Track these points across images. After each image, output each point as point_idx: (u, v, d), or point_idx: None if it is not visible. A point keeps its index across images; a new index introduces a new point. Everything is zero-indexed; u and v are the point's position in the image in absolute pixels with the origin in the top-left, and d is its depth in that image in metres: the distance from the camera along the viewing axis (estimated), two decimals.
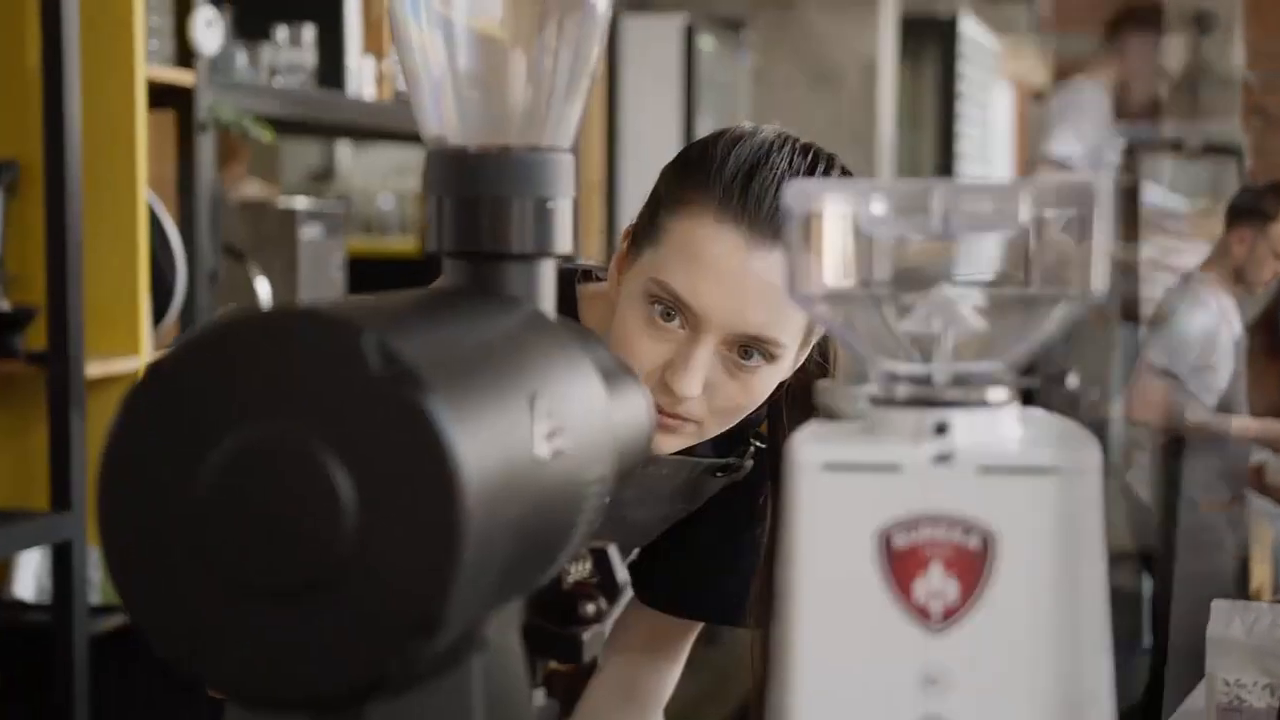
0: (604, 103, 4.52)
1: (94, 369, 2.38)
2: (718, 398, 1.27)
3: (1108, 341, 4.76)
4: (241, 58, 2.93)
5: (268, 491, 0.60)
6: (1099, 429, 4.62)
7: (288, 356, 0.61)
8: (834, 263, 0.71)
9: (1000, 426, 0.69)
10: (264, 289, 2.90)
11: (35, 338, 2.36)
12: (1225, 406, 4.38)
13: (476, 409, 0.62)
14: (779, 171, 1.24)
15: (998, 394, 0.70)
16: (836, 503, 0.68)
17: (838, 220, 0.70)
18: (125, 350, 2.47)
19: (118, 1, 2.44)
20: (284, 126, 3.13)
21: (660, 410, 1.26)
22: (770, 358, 1.26)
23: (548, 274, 0.81)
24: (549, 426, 0.69)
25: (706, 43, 4.85)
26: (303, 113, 3.04)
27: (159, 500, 0.62)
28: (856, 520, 0.67)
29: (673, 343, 1.25)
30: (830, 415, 0.77)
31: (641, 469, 1.39)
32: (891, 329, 0.71)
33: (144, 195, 2.46)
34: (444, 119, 0.81)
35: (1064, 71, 9.94)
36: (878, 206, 0.70)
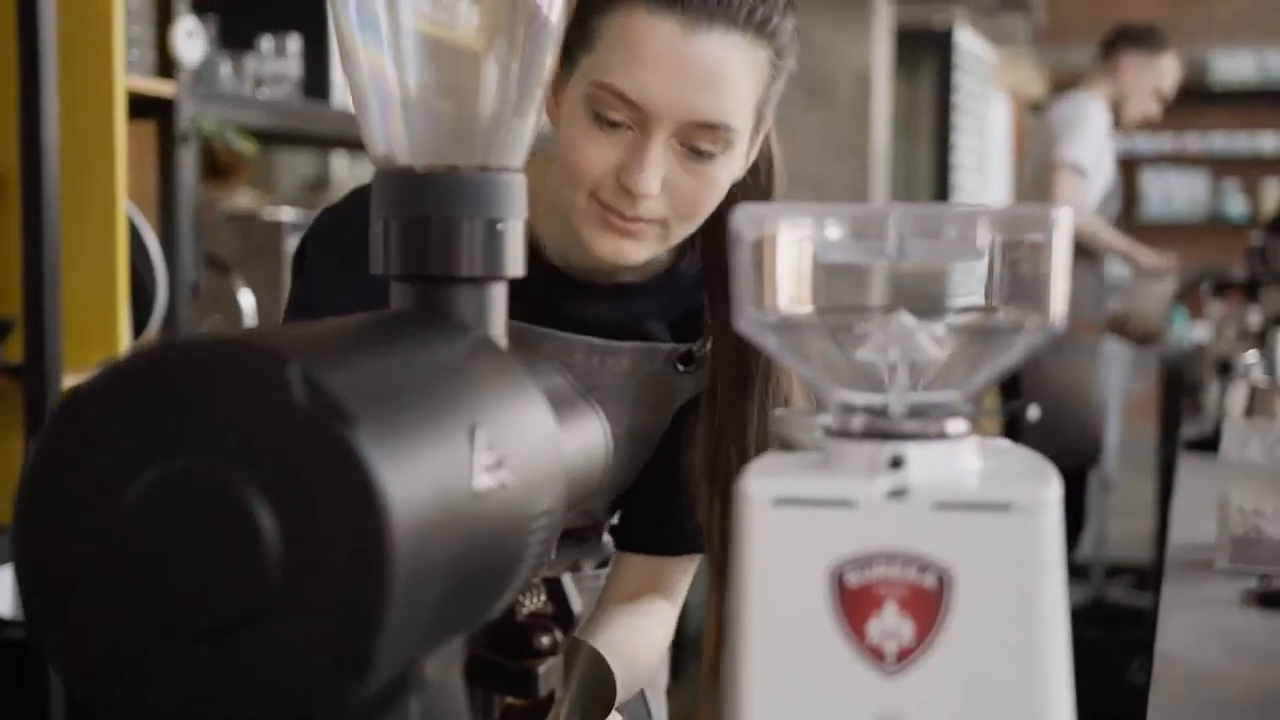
0: None
1: (71, 382, 2.36)
2: (677, 195, 1.25)
3: (1095, 354, 4.75)
4: (226, 68, 2.91)
5: (189, 526, 0.58)
6: (1091, 451, 4.62)
7: (212, 387, 0.58)
8: (787, 288, 0.69)
9: (958, 460, 0.67)
10: (248, 301, 2.88)
11: (12, 350, 2.33)
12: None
13: (408, 441, 0.60)
14: None
15: (956, 426, 0.67)
16: (788, 539, 0.65)
17: (791, 245, 0.68)
18: (104, 363, 2.44)
19: (97, 11, 2.42)
20: (269, 137, 3.10)
21: (621, 216, 1.25)
22: (724, 144, 1.24)
23: (499, 297, 0.78)
24: (490, 458, 0.66)
25: None
26: (287, 124, 3.01)
27: (77, 532, 0.59)
28: (808, 557, 0.65)
29: (622, 145, 1.24)
30: (786, 445, 0.74)
31: (600, 363, 1.37)
32: (847, 357, 0.69)
33: (124, 206, 2.44)
34: (391, 137, 0.78)
35: (1060, 83, 9.94)
36: (832, 231, 0.67)
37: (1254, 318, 4.12)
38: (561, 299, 1.37)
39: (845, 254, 0.68)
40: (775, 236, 0.67)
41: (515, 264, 0.78)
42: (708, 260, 1.37)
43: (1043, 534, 0.64)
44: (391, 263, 0.77)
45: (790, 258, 0.68)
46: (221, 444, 0.58)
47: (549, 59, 0.80)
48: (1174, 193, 10.11)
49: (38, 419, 2.26)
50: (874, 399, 0.68)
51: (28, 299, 2.27)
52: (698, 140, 1.23)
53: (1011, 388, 4.18)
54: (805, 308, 0.69)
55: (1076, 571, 5.49)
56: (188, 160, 2.61)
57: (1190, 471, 2.70)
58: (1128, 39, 4.64)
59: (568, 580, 0.83)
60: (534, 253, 1.36)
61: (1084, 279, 4.58)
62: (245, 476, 0.57)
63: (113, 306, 2.43)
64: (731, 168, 1.27)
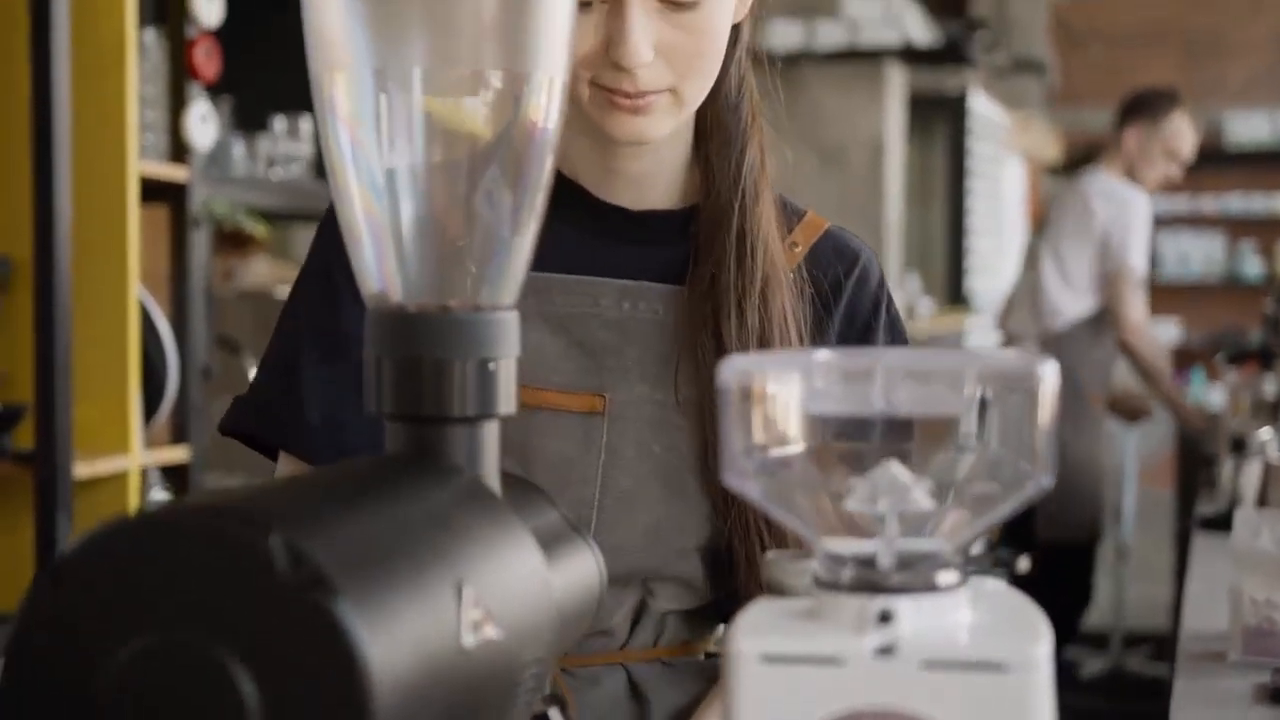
0: None
1: (82, 469, 2.36)
2: (674, 54, 1.18)
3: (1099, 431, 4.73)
4: (239, 148, 2.93)
5: (172, 698, 0.58)
6: (1100, 523, 4.59)
7: (193, 557, 0.58)
8: (773, 437, 0.68)
9: (948, 613, 0.66)
10: None
11: (23, 436, 2.34)
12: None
13: (393, 607, 0.60)
14: None
15: (946, 577, 0.67)
16: (777, 696, 0.65)
17: (777, 396, 0.68)
18: (115, 449, 2.44)
19: (111, 97, 2.44)
20: (282, 215, 3.12)
21: (626, 94, 1.18)
22: None
23: (491, 436, 0.78)
24: (478, 613, 0.66)
25: None
26: (299, 204, 3.03)
27: (61, 704, 0.59)
28: (796, 715, 0.64)
29: (600, 20, 1.17)
30: (777, 589, 0.74)
31: (632, 309, 1.25)
32: (835, 506, 0.68)
33: (135, 292, 2.45)
34: (384, 275, 0.78)
35: (1075, 145, 9.97)
36: (819, 382, 0.67)
37: (1269, 386, 4.10)
38: (595, 236, 1.28)
39: (833, 404, 0.68)
40: (763, 388, 0.67)
41: (508, 401, 0.78)
42: (698, 120, 1.28)
43: (1034, 693, 0.63)
44: (384, 402, 0.77)
45: (777, 409, 0.68)
46: (204, 615, 0.57)
47: (540, 197, 0.80)
48: (1190, 254, 10.11)
49: (49, 506, 2.26)
50: (862, 547, 0.68)
51: (39, 387, 2.28)
52: None
53: None
54: (792, 458, 0.69)
55: (1094, 641, 5.45)
56: (200, 244, 2.63)
57: (1204, 552, 2.68)
58: (1130, 110, 4.67)
59: (554, 714, 0.83)
60: (569, 186, 1.29)
61: (1097, 351, 4.56)
62: (228, 647, 0.57)
63: (124, 393, 2.44)
64: (723, 8, 1.20)
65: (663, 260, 1.28)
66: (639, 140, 1.21)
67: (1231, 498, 3.03)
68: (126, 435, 2.45)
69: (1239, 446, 3.25)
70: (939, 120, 7.22)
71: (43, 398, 2.28)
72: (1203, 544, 2.80)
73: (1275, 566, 1.87)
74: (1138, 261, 4.45)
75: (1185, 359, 10.09)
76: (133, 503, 2.47)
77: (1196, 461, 4.62)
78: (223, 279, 3.36)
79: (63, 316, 2.30)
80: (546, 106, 0.78)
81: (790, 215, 1.31)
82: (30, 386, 2.33)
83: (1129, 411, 5.08)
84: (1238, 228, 10.07)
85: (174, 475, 2.68)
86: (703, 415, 1.23)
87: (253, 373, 2.94)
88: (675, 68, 1.18)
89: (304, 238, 3.75)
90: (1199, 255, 10.11)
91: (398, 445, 0.78)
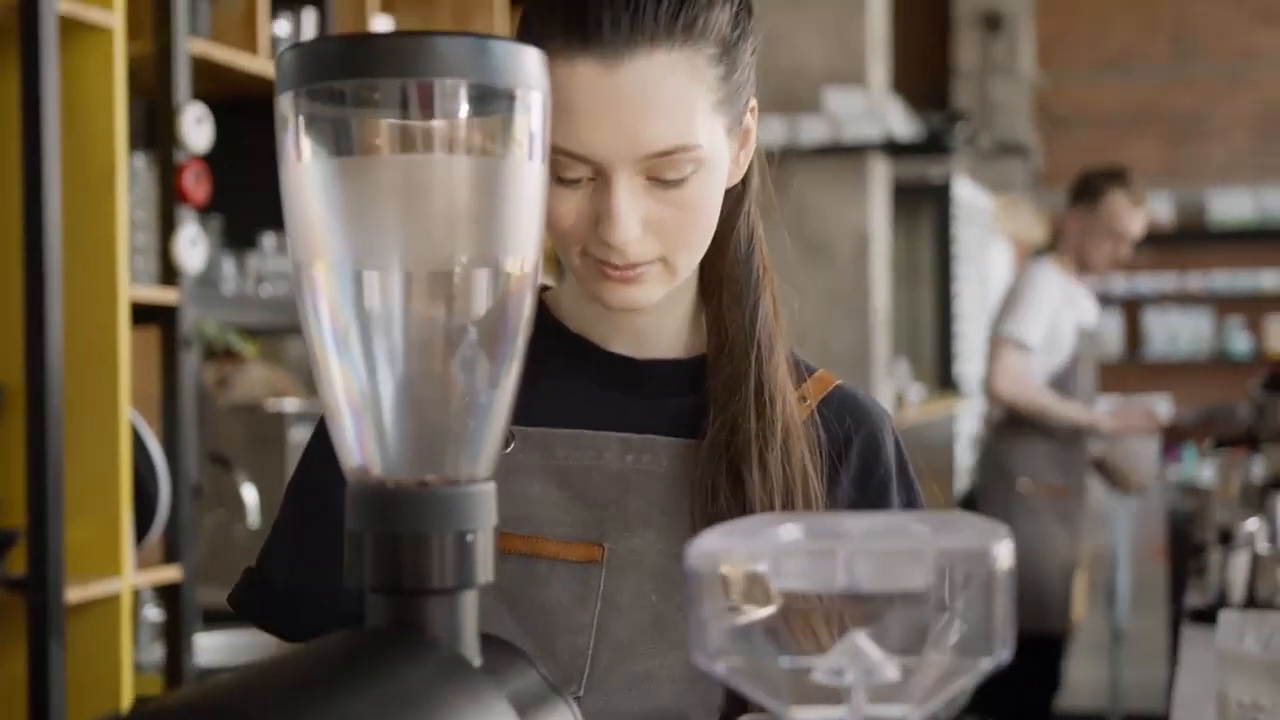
0: None
1: (74, 593, 2.37)
2: (663, 229, 1.17)
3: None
4: (229, 266, 2.97)
5: None
6: (1064, 612, 4.58)
7: None
8: (740, 614, 0.71)
9: None
10: (250, 496, 2.90)
11: (16, 562, 2.35)
12: (1058, 390, 4.52)
13: None
14: None
15: None
16: None
17: (744, 573, 0.70)
18: (107, 571, 2.46)
19: (101, 223, 2.48)
20: (273, 330, 3.15)
21: (614, 267, 1.17)
22: (692, 164, 1.15)
23: (470, 605, 0.80)
24: None
25: None
26: (288, 319, 3.07)
27: None
28: None
29: (590, 198, 1.16)
30: None
31: (635, 462, 1.23)
32: (801, 677, 0.71)
33: (126, 415, 2.47)
34: (364, 451, 0.81)
35: (1060, 226, 10.06)
36: (785, 560, 0.70)
37: (1258, 469, 4.12)
38: (600, 387, 1.28)
39: (798, 581, 0.70)
40: (730, 568, 0.70)
41: (486, 570, 0.80)
42: (703, 272, 1.28)
43: None
44: (365, 574, 0.80)
45: (743, 586, 0.70)
46: None
47: (515, 369, 0.83)
48: (1178, 332, 10.18)
49: (41, 633, 2.28)
50: (831, 716, 0.70)
51: (31, 512, 2.30)
52: (661, 170, 1.15)
53: None
54: (759, 633, 0.71)
55: None
56: (190, 365, 2.66)
57: (1193, 646, 2.69)
58: (1072, 195, 4.73)
59: None
60: (573, 340, 1.30)
61: (1036, 443, 4.58)
62: None
63: (116, 515, 2.46)
64: (714, 182, 1.19)
65: (669, 411, 1.27)
66: (632, 308, 1.21)
67: (1220, 589, 3.04)
68: (118, 557, 2.47)
69: (1226, 538, 3.27)
70: (924, 207, 7.29)
71: (35, 524, 2.30)
72: (1191, 637, 2.81)
73: (1260, 669, 1.88)
74: (1015, 328, 4.47)
75: (1175, 436, 10.15)
76: (125, 626, 2.49)
77: (1186, 546, 4.63)
78: (217, 386, 3.38)
79: (55, 441, 2.33)
80: (519, 289, 0.81)
81: (801, 369, 1.31)
82: (23, 511, 2.35)
83: (1117, 483, 5.08)
84: (1225, 305, 10.15)
85: (166, 594, 2.69)
86: None
87: (244, 489, 2.96)
88: (664, 241, 1.17)
89: (295, 348, 3.79)
90: (1187, 333, 10.18)
91: (378, 617, 0.80)
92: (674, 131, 1.13)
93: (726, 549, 0.71)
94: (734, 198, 1.26)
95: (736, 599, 0.71)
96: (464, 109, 0.78)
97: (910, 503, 1.30)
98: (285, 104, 0.78)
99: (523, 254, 0.81)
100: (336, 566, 0.99)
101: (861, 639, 0.70)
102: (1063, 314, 4.55)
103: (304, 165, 0.79)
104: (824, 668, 0.70)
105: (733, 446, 1.23)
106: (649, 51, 1.12)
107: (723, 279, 1.28)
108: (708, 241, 1.21)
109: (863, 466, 1.29)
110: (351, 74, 0.77)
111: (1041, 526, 4.51)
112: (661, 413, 1.27)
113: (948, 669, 0.70)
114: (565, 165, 1.14)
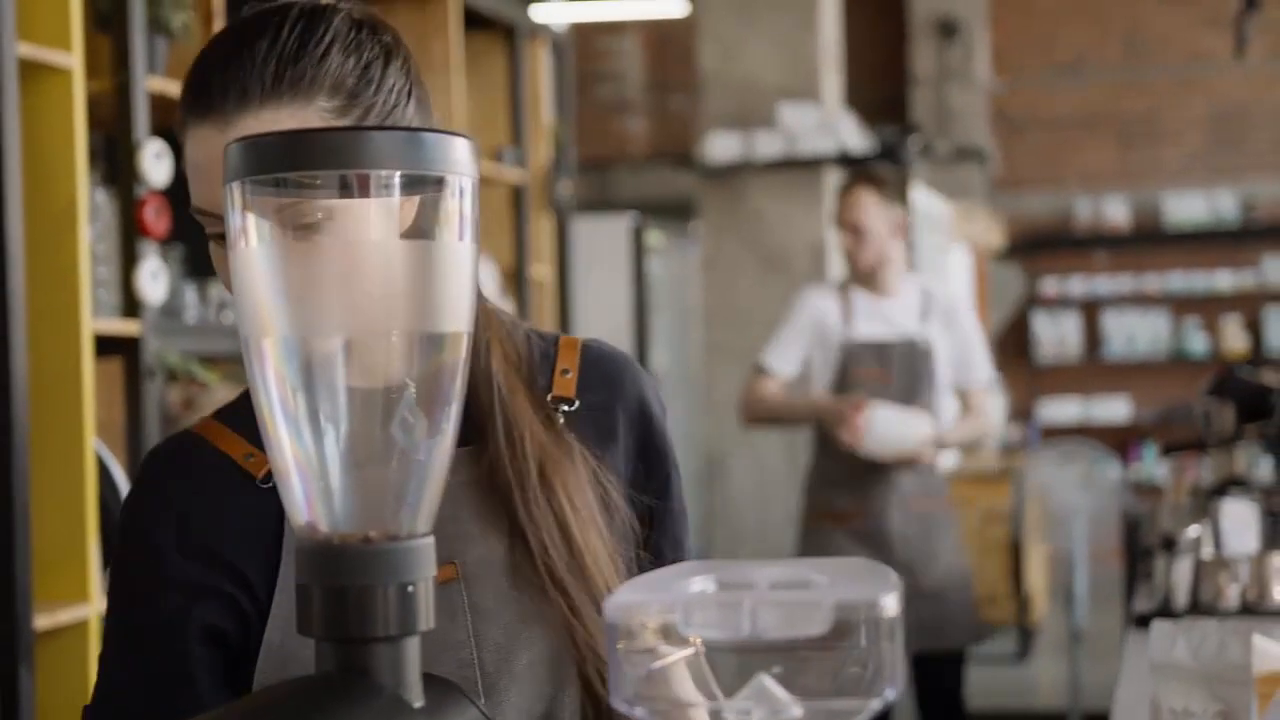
0: (556, 301, 4.62)
1: (42, 620, 2.43)
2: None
3: None
4: (191, 294, 3.02)
5: None
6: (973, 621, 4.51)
7: None
8: (655, 661, 0.78)
9: None
10: None
11: None
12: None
13: None
14: (234, 42, 1.22)
15: None
16: None
17: (657, 625, 0.77)
18: (73, 598, 2.51)
19: (64, 257, 2.53)
20: (235, 357, 3.21)
21: None
22: (325, 211, 1.14)
23: (412, 651, 0.87)
24: None
25: (655, 237, 4.97)
26: None
27: None
28: None
29: None
30: None
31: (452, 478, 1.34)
32: (714, 718, 0.77)
33: (91, 445, 2.53)
34: (311, 510, 0.87)
35: (1018, 230, 10.18)
36: (696, 615, 0.77)
37: (1207, 474, 4.20)
38: None
39: (708, 630, 0.77)
40: (643, 621, 0.76)
41: (427, 618, 0.87)
42: None
43: None
44: (314, 625, 0.86)
45: (657, 636, 0.77)
46: None
47: (450, 433, 0.89)
48: (1136, 333, 10.30)
49: (10, 661, 2.33)
50: None
51: None
52: (297, 219, 1.09)
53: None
54: (673, 678, 0.78)
55: None
56: (153, 394, 2.71)
57: (1135, 653, 2.76)
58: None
59: None
60: None
61: (820, 464, 4.36)
62: None
63: (82, 543, 2.51)
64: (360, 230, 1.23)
65: None
66: None
67: (1165, 594, 3.12)
68: (85, 584, 2.52)
69: (1169, 544, 3.35)
70: None
71: (3, 553, 2.35)
72: (1134, 642, 2.88)
73: (1191, 677, 1.94)
74: (764, 352, 4.26)
75: (1135, 435, 10.28)
76: (93, 651, 2.54)
77: (1140, 546, 4.70)
78: (183, 409, 3.43)
79: (20, 475, 2.38)
80: (454, 354, 0.88)
81: (545, 343, 1.36)
82: None
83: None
84: (1181, 306, 10.28)
85: None
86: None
87: None
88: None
89: None
90: (1145, 334, 10.30)
91: (326, 664, 0.86)
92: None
93: (641, 602, 0.77)
94: None
95: (650, 647, 0.78)
96: (398, 195, 0.84)
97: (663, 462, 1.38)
98: (233, 193, 0.84)
99: (456, 322, 0.88)
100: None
101: (767, 681, 0.77)
102: (823, 334, 4.27)
103: (251, 249, 0.85)
104: (733, 709, 0.77)
105: (501, 486, 1.29)
106: (257, 111, 1.20)
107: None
108: None
109: (628, 419, 1.36)
110: (293, 167, 0.84)
111: (934, 538, 4.33)
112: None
113: (844, 708, 0.77)
114: (211, 223, 1.22)
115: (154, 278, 2.68)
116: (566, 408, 1.33)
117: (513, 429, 1.30)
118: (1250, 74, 9.65)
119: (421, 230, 0.86)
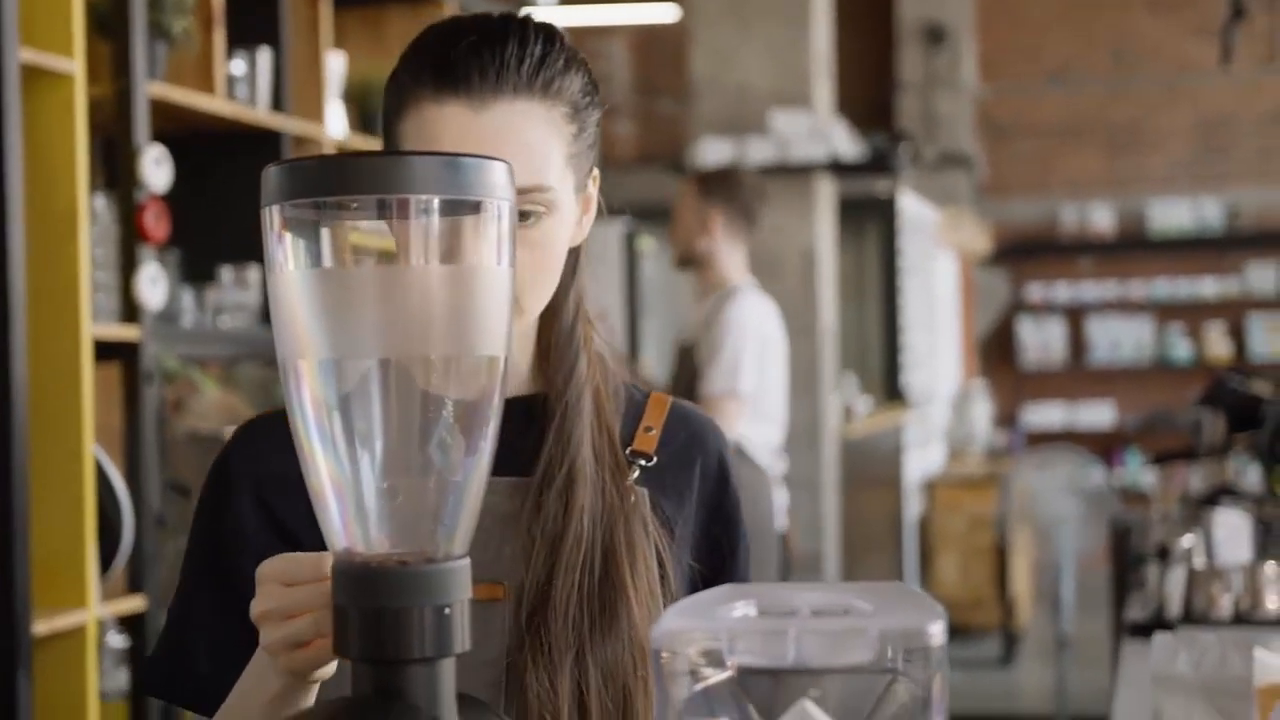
0: None
1: (40, 626, 2.42)
2: (517, 266, 1.22)
3: None
4: (188, 299, 3.02)
5: None
6: None
7: None
8: (698, 685, 0.78)
9: None
10: None
11: None
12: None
13: None
14: (481, 33, 1.23)
15: None
16: None
17: (702, 650, 0.77)
18: (72, 603, 2.51)
19: (64, 263, 2.52)
20: (232, 360, 3.21)
21: None
22: (546, 207, 1.23)
23: (448, 672, 0.87)
24: None
25: (647, 244, 4.97)
26: (246, 350, 3.12)
27: None
28: None
29: None
30: None
31: (520, 505, 1.26)
32: None
33: (90, 450, 2.52)
34: (349, 534, 0.88)
35: (1004, 236, 10.20)
36: (740, 642, 0.77)
37: (1196, 481, 4.20)
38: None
39: (752, 657, 0.77)
40: (689, 647, 0.77)
41: (463, 640, 0.87)
42: (541, 331, 1.32)
43: None
44: (350, 647, 0.86)
45: (701, 662, 0.77)
46: None
47: (487, 459, 0.89)
48: (1121, 339, 10.32)
49: (9, 667, 2.32)
50: None
51: None
52: (518, 206, 1.19)
53: None
54: (717, 703, 0.78)
55: None
56: (151, 398, 2.71)
57: (1132, 662, 2.76)
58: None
59: None
60: None
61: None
62: None
63: (81, 548, 2.50)
64: (562, 229, 1.26)
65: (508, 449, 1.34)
66: None
67: (1158, 603, 3.12)
68: (84, 589, 2.52)
69: (1163, 554, 3.35)
70: (870, 222, 7.38)
71: (2, 558, 2.35)
72: (1131, 652, 2.89)
73: (1193, 690, 1.94)
74: (735, 377, 4.02)
75: (1118, 441, 10.30)
76: (91, 656, 2.53)
77: (1128, 552, 4.70)
78: (174, 410, 3.42)
79: (20, 479, 2.37)
80: (490, 376, 0.88)
81: (634, 397, 1.37)
82: None
83: None
84: (1165, 312, 10.30)
85: (130, 624, 2.74)
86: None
87: None
88: (517, 285, 1.24)
89: (251, 374, 3.83)
90: (1129, 340, 10.33)
91: (363, 685, 0.87)
92: (532, 170, 1.22)
93: (687, 629, 0.78)
94: (569, 266, 1.31)
95: (695, 671, 0.78)
96: (436, 220, 0.85)
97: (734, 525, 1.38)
98: (270, 217, 0.85)
99: (492, 345, 0.88)
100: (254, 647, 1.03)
101: (810, 706, 0.77)
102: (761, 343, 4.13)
103: (288, 272, 0.85)
104: None
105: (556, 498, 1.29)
106: (511, 99, 1.22)
107: (550, 343, 1.33)
108: (553, 288, 1.28)
109: (705, 483, 1.37)
110: (332, 191, 0.84)
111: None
112: (515, 454, 1.29)
113: None
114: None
115: (153, 283, 2.67)
116: (644, 463, 1.32)
117: (575, 472, 1.28)
118: (1236, 83, 9.67)
119: (459, 255, 0.87)
